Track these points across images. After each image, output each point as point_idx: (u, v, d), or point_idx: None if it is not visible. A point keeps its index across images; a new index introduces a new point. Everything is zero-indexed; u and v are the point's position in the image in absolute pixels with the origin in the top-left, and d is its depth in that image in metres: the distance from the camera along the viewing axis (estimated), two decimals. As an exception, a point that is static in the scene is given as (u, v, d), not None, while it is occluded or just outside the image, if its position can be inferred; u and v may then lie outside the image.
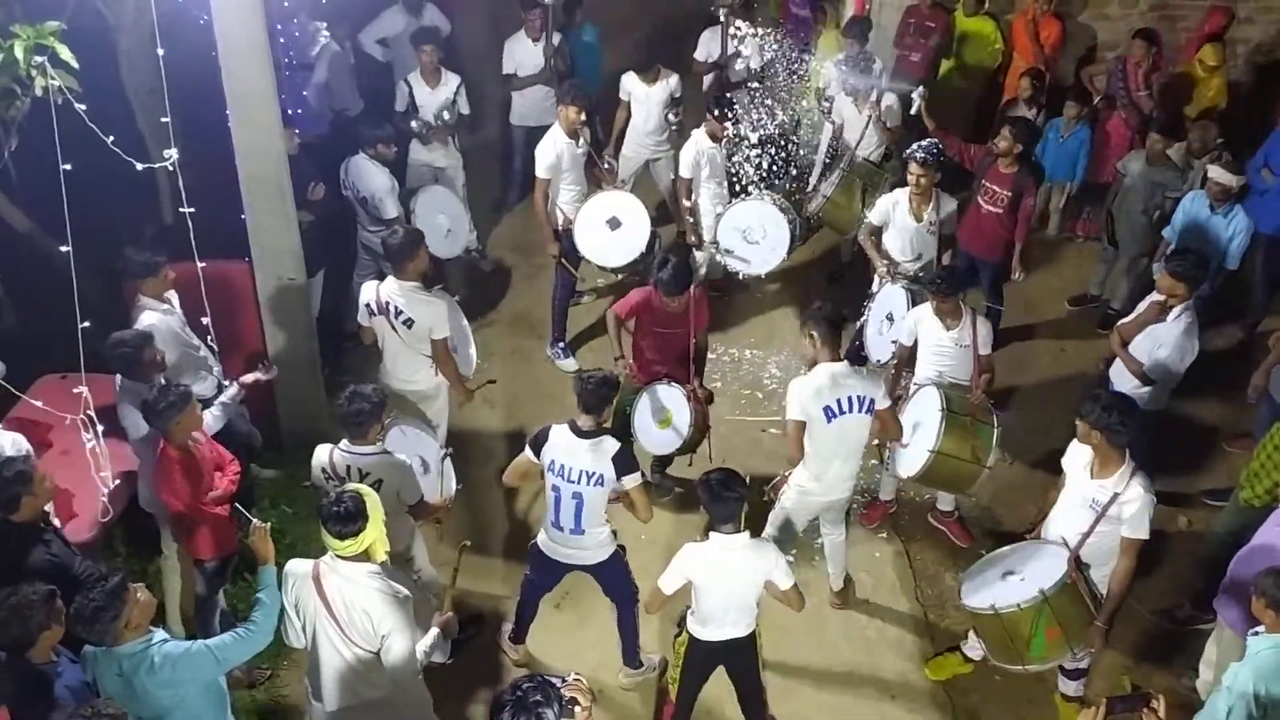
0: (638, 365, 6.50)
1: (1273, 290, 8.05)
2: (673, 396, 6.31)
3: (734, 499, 4.76)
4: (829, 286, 8.59)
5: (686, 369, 6.41)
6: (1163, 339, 6.15)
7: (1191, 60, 8.79)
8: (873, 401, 5.57)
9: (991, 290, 7.73)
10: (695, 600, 4.99)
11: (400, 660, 4.44)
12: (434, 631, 4.57)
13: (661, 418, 6.35)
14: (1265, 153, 7.81)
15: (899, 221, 7.05)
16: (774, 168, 8.07)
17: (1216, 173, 7.16)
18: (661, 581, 4.96)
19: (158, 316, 5.80)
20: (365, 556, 4.45)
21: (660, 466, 6.91)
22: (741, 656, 5.15)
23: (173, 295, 6.00)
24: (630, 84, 8.45)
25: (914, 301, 6.69)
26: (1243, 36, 9.49)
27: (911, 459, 6.04)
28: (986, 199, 7.38)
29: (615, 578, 5.63)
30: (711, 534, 4.85)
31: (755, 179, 7.88)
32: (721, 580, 4.86)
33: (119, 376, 5.52)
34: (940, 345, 6.25)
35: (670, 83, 8.38)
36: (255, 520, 4.71)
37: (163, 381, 5.28)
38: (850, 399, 5.51)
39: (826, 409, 5.50)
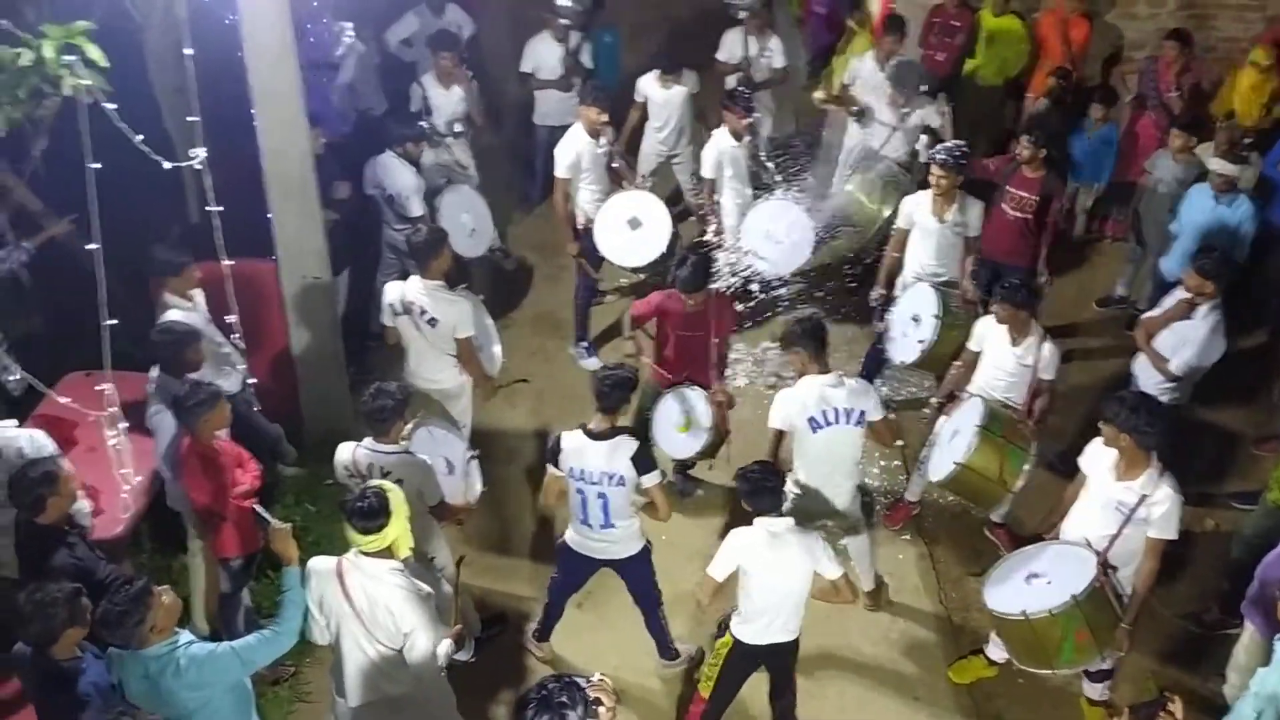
0: (661, 368, 6.49)
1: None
2: (694, 400, 6.29)
3: (772, 488, 4.84)
4: (850, 292, 8.57)
5: (708, 372, 6.39)
6: (1189, 337, 6.12)
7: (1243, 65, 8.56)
8: (863, 413, 5.55)
9: None
10: (744, 595, 4.97)
11: (423, 657, 4.46)
12: (446, 643, 4.56)
13: (682, 421, 6.32)
14: None
15: (922, 223, 6.99)
16: (798, 166, 8.06)
17: (1218, 164, 7.14)
18: (712, 568, 4.96)
19: (180, 314, 5.85)
20: (388, 553, 4.46)
21: (682, 469, 6.90)
22: (783, 659, 5.18)
23: (197, 293, 6.04)
24: (647, 87, 8.46)
25: (943, 303, 6.63)
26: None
27: (941, 466, 6.00)
28: (1012, 205, 7.30)
29: (641, 578, 5.62)
30: (757, 520, 4.88)
31: (779, 178, 7.86)
32: (772, 569, 4.86)
33: (154, 371, 5.56)
34: (1001, 359, 6.14)
35: (689, 81, 8.41)
36: (275, 522, 4.72)
37: (194, 378, 5.32)
38: (837, 410, 5.50)
39: (811, 420, 5.50)
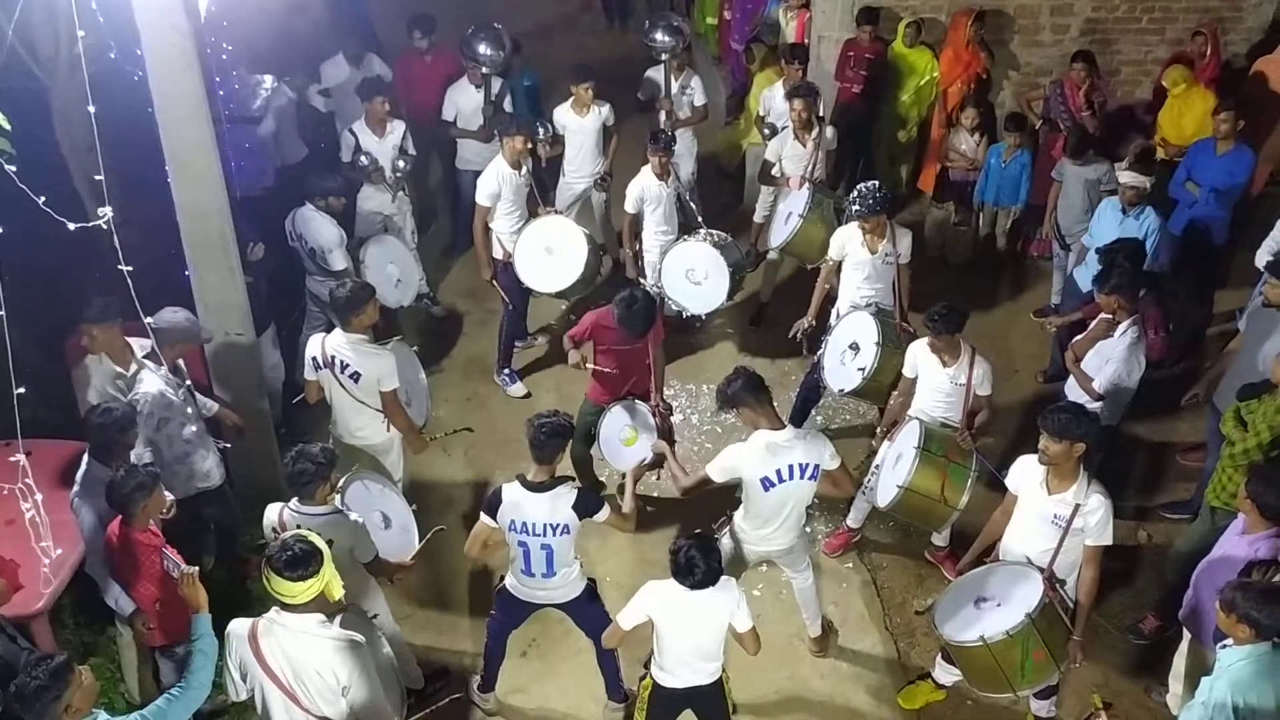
0: (600, 384, 6.49)
1: (1212, 298, 8.17)
2: (641, 410, 6.36)
3: (711, 569, 4.64)
4: (753, 330, 8.65)
5: (648, 381, 6.42)
6: (1110, 354, 6.25)
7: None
8: (817, 467, 5.40)
9: None
10: (657, 645, 4.90)
11: (365, 706, 4.34)
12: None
13: (628, 435, 6.38)
14: (1186, 166, 7.95)
15: (855, 255, 7.02)
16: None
17: (1128, 176, 7.31)
18: (621, 617, 4.88)
19: (149, 374, 5.68)
20: (319, 602, 4.31)
21: None
22: (709, 702, 5.06)
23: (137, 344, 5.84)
24: (563, 116, 8.51)
25: (883, 330, 6.64)
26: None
27: (886, 491, 6.02)
28: None
29: (590, 613, 5.53)
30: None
31: (701, 220, 7.90)
32: (684, 622, 4.77)
33: (85, 460, 5.31)
34: (936, 381, 6.18)
35: (602, 112, 8.48)
36: (182, 566, 4.52)
37: (132, 462, 5.09)
38: (791, 467, 5.34)
39: (764, 480, 5.34)
